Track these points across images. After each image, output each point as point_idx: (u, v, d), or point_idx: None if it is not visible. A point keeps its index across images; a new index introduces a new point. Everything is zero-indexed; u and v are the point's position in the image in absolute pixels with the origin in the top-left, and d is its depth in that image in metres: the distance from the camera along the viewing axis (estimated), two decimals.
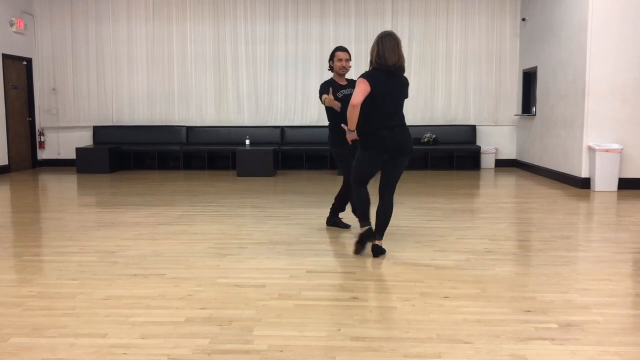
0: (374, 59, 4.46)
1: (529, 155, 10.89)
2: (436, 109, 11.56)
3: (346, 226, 5.70)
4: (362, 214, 4.74)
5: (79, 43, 11.84)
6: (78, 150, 10.98)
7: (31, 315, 3.37)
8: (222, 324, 3.22)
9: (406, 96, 4.61)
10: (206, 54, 11.73)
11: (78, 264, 4.49)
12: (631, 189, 8.28)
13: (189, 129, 11.82)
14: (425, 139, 11.22)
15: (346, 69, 5.37)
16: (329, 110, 5.34)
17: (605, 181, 8.21)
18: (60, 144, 12.13)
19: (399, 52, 4.44)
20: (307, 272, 4.26)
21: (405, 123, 4.61)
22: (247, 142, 10.86)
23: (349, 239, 5.29)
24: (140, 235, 5.52)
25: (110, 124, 11.96)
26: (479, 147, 11.32)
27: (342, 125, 4.71)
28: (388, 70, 4.44)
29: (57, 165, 12.10)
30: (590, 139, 8.40)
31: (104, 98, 11.93)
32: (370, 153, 4.55)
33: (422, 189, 8.60)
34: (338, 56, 5.36)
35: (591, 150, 8.33)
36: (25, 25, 11.46)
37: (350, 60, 5.41)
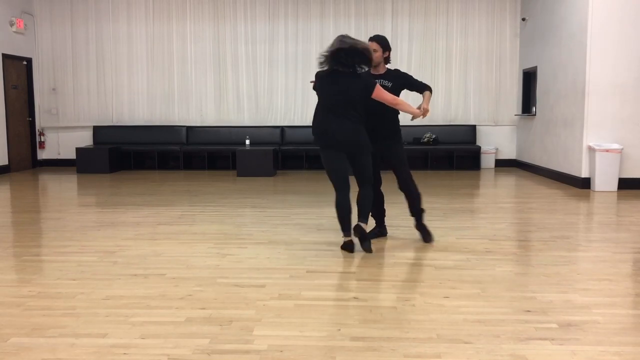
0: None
1: (529, 155, 10.89)
2: (436, 109, 11.54)
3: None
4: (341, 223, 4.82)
5: (79, 43, 11.84)
6: (78, 150, 10.98)
7: (31, 315, 3.37)
8: (222, 324, 3.22)
9: (360, 97, 4.70)
10: (206, 54, 11.72)
11: (78, 264, 4.49)
12: (631, 189, 8.27)
13: (189, 129, 11.81)
14: (425, 139, 11.23)
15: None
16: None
17: (605, 181, 8.21)
18: (60, 144, 12.12)
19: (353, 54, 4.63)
20: (307, 272, 4.26)
21: (354, 122, 4.71)
22: (247, 142, 10.86)
23: None
24: (140, 235, 5.52)
25: (110, 124, 11.95)
26: (479, 147, 11.32)
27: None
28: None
29: (57, 165, 12.09)
30: (590, 139, 8.40)
31: (104, 98, 11.93)
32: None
33: (422, 189, 8.55)
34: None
35: (591, 150, 8.32)
36: (25, 25, 11.45)
37: (377, 51, 4.93)
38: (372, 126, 4.93)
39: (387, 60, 5.10)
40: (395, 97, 4.83)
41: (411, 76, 5.19)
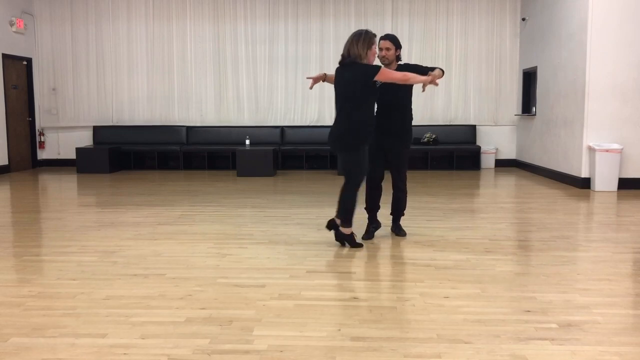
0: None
1: (529, 155, 10.89)
2: (436, 109, 11.56)
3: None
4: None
5: (79, 43, 11.84)
6: (78, 150, 10.98)
7: (31, 315, 3.37)
8: (222, 324, 3.22)
9: (353, 89, 4.71)
10: (206, 54, 11.73)
11: (78, 264, 4.49)
12: (631, 189, 8.27)
13: (189, 129, 11.81)
14: (425, 139, 11.23)
15: (387, 58, 5.10)
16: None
17: (605, 181, 8.21)
18: (60, 144, 12.13)
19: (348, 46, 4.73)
20: (307, 272, 4.26)
21: (346, 118, 4.77)
22: (247, 142, 10.86)
23: None
24: (140, 235, 5.52)
25: (110, 124, 11.96)
26: (479, 147, 11.32)
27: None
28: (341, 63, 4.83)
29: (57, 165, 12.09)
30: (590, 139, 8.40)
31: (104, 98, 11.93)
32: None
33: (422, 189, 8.60)
34: (379, 45, 5.15)
35: (591, 150, 8.32)
36: (25, 25, 11.45)
37: (390, 49, 5.09)
38: (383, 120, 5.01)
39: (398, 58, 5.21)
40: (404, 72, 4.82)
41: (420, 65, 5.27)
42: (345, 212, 4.87)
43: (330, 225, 5.04)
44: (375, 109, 5.01)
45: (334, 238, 5.05)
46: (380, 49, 5.11)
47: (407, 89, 5.11)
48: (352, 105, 4.74)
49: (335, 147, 4.94)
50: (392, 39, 5.14)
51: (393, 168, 5.28)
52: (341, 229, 4.94)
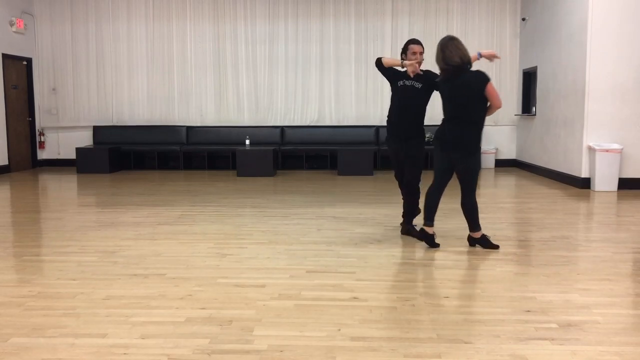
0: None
1: (529, 155, 10.89)
2: (436, 109, 11.48)
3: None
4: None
5: (79, 43, 11.84)
6: (78, 150, 10.97)
7: (31, 315, 3.37)
8: (222, 324, 3.22)
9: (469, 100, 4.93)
10: (206, 54, 11.73)
11: (78, 264, 4.49)
12: (631, 189, 8.27)
13: (189, 129, 11.82)
14: (425, 139, 11.21)
15: (420, 63, 5.38)
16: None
17: (605, 181, 8.21)
18: (60, 144, 12.12)
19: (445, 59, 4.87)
20: (307, 272, 4.26)
21: (460, 121, 5.03)
22: (247, 142, 10.87)
23: (348, 238, 5.29)
24: (140, 235, 5.52)
25: (110, 124, 11.96)
26: None
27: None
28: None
29: (57, 165, 12.09)
30: (590, 139, 8.40)
31: (104, 98, 11.93)
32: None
33: (422, 189, 8.58)
34: (412, 49, 5.41)
35: (591, 150, 8.32)
36: (25, 25, 11.45)
37: (423, 53, 5.44)
38: (401, 122, 5.17)
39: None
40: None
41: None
42: (471, 218, 4.92)
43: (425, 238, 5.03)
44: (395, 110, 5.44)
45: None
46: (414, 53, 5.34)
47: (425, 97, 5.44)
48: (466, 113, 4.90)
49: (455, 150, 5.06)
50: (421, 43, 5.48)
51: (407, 168, 5.76)
52: (471, 234, 4.98)
